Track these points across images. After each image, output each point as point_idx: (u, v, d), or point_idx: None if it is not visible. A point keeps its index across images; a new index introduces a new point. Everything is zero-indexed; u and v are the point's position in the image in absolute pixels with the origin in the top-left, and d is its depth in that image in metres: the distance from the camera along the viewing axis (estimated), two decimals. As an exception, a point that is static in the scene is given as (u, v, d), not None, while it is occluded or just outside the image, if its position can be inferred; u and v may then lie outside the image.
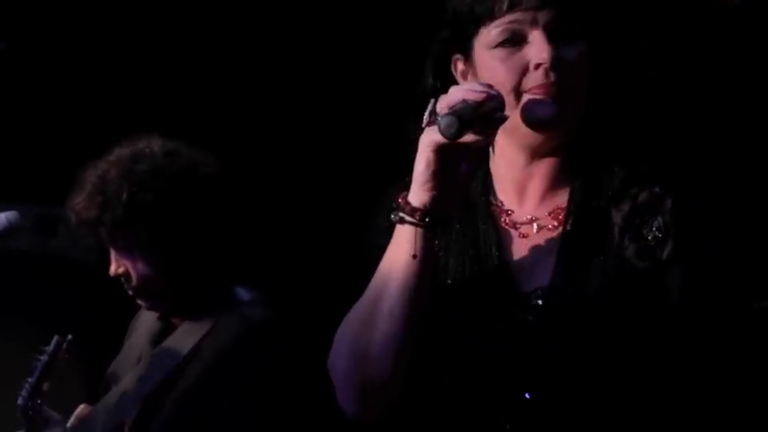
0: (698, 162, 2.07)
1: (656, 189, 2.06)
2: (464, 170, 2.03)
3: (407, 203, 2.03)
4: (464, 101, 1.97)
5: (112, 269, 3.15)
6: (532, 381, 2.05)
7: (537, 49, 2.08)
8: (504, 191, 2.19)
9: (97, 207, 3.09)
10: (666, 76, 3.81)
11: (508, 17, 2.11)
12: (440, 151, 1.99)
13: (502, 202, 2.18)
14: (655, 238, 2.03)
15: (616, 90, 2.14)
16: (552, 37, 2.09)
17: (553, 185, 2.15)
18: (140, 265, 3.11)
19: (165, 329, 3.24)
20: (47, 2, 4.50)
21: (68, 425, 3.31)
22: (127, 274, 3.13)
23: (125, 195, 3.08)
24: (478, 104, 1.98)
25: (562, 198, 2.13)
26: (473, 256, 2.16)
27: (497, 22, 2.11)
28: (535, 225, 2.15)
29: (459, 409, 2.12)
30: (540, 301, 2.08)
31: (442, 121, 1.93)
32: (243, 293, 3.22)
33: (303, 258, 4.40)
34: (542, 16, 2.09)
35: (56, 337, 3.29)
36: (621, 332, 2.00)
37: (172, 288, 3.13)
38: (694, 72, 4.02)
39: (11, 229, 3.10)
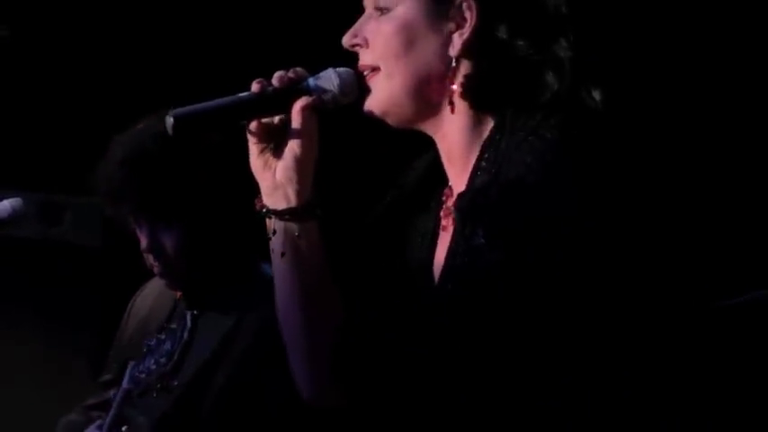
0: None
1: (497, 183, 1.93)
2: (286, 162, 2.01)
3: (260, 197, 2.07)
4: (250, 93, 2.00)
5: (145, 243, 3.10)
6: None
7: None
8: (447, 169, 2.09)
9: (141, 174, 3.06)
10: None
11: None
12: (256, 143, 2.03)
13: (450, 181, 2.09)
14: (486, 237, 1.89)
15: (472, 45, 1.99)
16: (370, 14, 2.05)
17: (462, 166, 2.03)
18: (177, 238, 3.07)
19: (191, 311, 3.18)
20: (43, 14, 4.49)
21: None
22: (161, 248, 3.09)
23: (176, 158, 3.05)
24: (254, 95, 1.99)
25: (464, 185, 2.02)
26: (414, 247, 2.11)
27: None
28: (449, 218, 2.06)
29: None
30: (425, 301, 2.01)
31: (165, 121, 1.99)
32: (268, 268, 3.19)
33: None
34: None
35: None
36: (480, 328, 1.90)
37: (204, 264, 3.10)
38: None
39: (15, 216, 3.08)
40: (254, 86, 1.99)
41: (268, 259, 3.12)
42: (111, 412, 3.00)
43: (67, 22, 4.48)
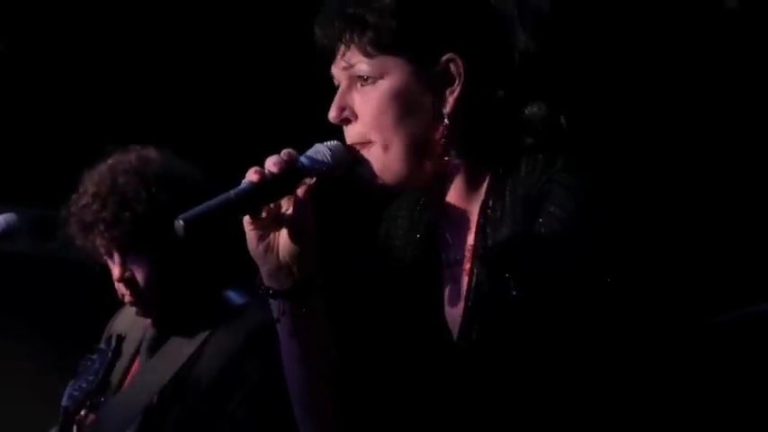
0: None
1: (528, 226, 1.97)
2: (287, 243, 2.01)
3: (260, 277, 2.06)
4: (247, 182, 1.98)
5: (117, 273, 3.15)
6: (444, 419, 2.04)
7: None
8: (443, 218, 2.13)
9: (113, 206, 3.09)
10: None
11: (332, 66, 2.09)
12: (253, 230, 2.02)
13: (445, 229, 2.12)
14: (518, 291, 1.94)
15: (462, 108, 2.02)
16: (349, 87, 2.04)
17: (464, 218, 2.07)
18: (148, 268, 3.14)
19: (159, 337, 3.25)
20: (45, 3, 4.50)
21: None
22: (133, 278, 3.14)
23: (145, 194, 3.12)
24: (255, 185, 1.97)
25: (472, 233, 2.06)
26: (416, 295, 2.13)
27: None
28: (461, 267, 2.08)
29: None
30: (451, 347, 2.06)
31: (174, 225, 1.98)
32: (234, 297, 3.24)
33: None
34: (337, 68, 2.06)
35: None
36: (511, 375, 1.96)
37: (174, 293, 3.16)
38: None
39: (9, 231, 3.10)
40: (253, 176, 1.97)
41: (233, 287, 3.20)
42: None
43: (63, 39, 4.49)
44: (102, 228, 3.13)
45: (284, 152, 2.00)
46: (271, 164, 1.98)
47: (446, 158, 2.03)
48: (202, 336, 3.17)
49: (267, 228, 2.01)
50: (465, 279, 2.05)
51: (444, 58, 2.00)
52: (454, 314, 2.06)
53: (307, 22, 2.07)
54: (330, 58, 2.06)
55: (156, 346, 3.22)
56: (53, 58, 4.53)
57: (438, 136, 2.01)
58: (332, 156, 2.02)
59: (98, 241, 3.16)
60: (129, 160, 3.19)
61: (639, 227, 1.98)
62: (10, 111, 4.51)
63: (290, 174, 1.99)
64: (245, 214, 2.00)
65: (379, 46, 2.00)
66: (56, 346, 4.51)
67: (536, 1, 2.04)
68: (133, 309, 3.34)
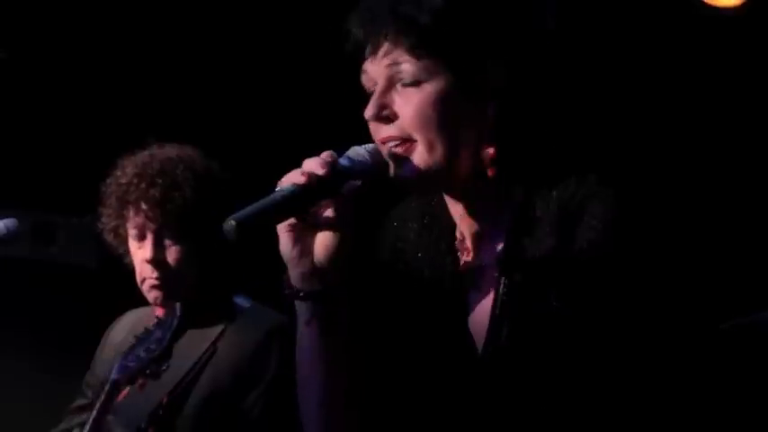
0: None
1: (565, 237, 1.97)
2: (326, 247, 1.99)
3: (288, 280, 2.03)
4: (292, 184, 1.95)
5: (150, 254, 3.17)
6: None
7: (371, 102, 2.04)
8: (461, 226, 2.11)
9: (163, 186, 3.14)
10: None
11: (364, 65, 2.05)
12: (291, 233, 1.99)
13: (463, 237, 2.11)
14: (559, 299, 1.94)
15: (501, 116, 2.00)
16: (388, 86, 2.01)
17: (491, 225, 2.06)
18: (180, 253, 3.17)
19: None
20: (45, 13, 4.51)
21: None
22: (164, 260, 3.16)
23: (192, 181, 3.17)
24: (299, 189, 1.94)
25: (500, 242, 2.04)
26: (432, 304, 2.11)
27: (362, 69, 2.07)
28: (484, 274, 2.07)
29: None
30: (480, 355, 2.04)
31: (224, 226, 1.92)
32: (241, 301, 3.27)
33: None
34: (381, 65, 2.02)
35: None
36: (541, 386, 1.96)
37: (199, 283, 3.19)
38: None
39: (9, 236, 3.11)
40: (300, 178, 1.93)
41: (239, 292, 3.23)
42: (95, 411, 3.07)
43: (63, 47, 4.50)
44: (146, 206, 3.15)
45: (326, 154, 1.97)
46: (316, 166, 1.95)
47: (483, 165, 2.02)
48: (216, 332, 3.19)
49: (304, 231, 1.99)
50: (489, 286, 2.04)
51: (488, 66, 2.00)
52: (477, 320, 2.05)
53: (305, 25, 2.07)
54: (364, 55, 2.04)
55: (177, 309, 3.22)
56: (51, 67, 4.53)
57: (478, 142, 2.01)
58: (371, 156, 2.00)
59: (136, 221, 3.18)
60: (174, 151, 3.25)
61: (675, 238, 2.00)
62: (10, 116, 4.52)
63: (334, 176, 1.96)
64: (292, 216, 1.97)
65: (428, 48, 1.98)
66: (54, 350, 4.53)
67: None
68: (134, 315, 3.35)
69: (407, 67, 1.98)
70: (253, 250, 3.36)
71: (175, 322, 3.11)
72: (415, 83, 1.99)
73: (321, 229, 1.98)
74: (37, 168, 4.52)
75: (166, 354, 3.11)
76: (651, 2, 4.03)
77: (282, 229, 1.98)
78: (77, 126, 4.52)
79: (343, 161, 1.97)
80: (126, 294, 3.39)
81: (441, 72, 1.98)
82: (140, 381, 3.10)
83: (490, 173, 2.02)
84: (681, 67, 4.11)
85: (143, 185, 3.16)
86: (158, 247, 3.17)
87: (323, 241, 1.98)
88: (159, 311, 3.25)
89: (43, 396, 4.40)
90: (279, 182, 1.96)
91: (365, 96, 2.05)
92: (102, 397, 3.07)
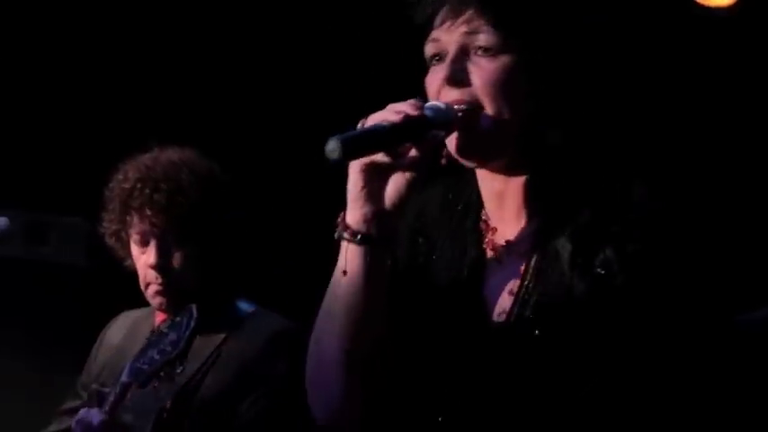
0: (652, 186, 2.09)
1: (598, 220, 2.04)
2: (397, 191, 2.02)
3: (343, 220, 2.04)
4: (383, 121, 1.98)
5: (153, 259, 3.15)
6: (481, 403, 2.05)
7: (443, 66, 2.08)
8: (489, 206, 2.16)
9: (167, 191, 3.13)
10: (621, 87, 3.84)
11: (433, 33, 2.11)
12: (365, 171, 2.01)
13: (488, 217, 2.16)
14: (598, 275, 2.01)
15: (561, 101, 2.09)
16: (462, 53, 2.07)
17: (526, 201, 2.12)
18: (184, 258, 3.15)
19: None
20: (34, 10, 4.51)
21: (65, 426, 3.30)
22: (169, 266, 3.15)
23: (197, 184, 3.15)
24: (395, 125, 1.97)
25: (534, 221, 2.11)
26: (453, 281, 2.15)
27: (429, 38, 2.12)
28: (509, 251, 2.12)
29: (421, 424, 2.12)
30: (495, 327, 2.08)
31: (328, 145, 1.94)
32: (244, 305, 3.27)
33: (285, 259, 4.42)
34: (457, 31, 2.08)
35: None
36: (570, 359, 2.01)
37: (202, 288, 3.17)
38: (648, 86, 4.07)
39: (0, 235, 3.11)
40: (395, 116, 1.97)
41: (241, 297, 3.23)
42: (107, 409, 3.05)
43: (52, 47, 4.49)
44: (150, 212, 3.14)
45: (413, 100, 2.02)
46: (408, 107, 2.00)
47: (532, 143, 2.09)
48: (219, 338, 3.18)
49: (377, 173, 2.01)
50: (513, 262, 2.10)
51: (553, 48, 2.08)
52: (495, 294, 2.10)
53: (301, 27, 2.08)
54: (435, 22, 2.10)
55: (194, 311, 3.20)
56: (45, 65, 4.53)
57: (532, 120, 2.08)
58: (448, 111, 2.04)
59: (140, 226, 3.16)
60: (176, 154, 3.22)
61: (708, 231, 2.08)
62: (2, 116, 4.52)
63: (421, 121, 2.00)
64: (387, 149, 1.98)
65: (512, 23, 2.06)
66: (47, 350, 4.52)
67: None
68: (131, 317, 3.34)
69: (486, 37, 2.05)
70: (255, 252, 3.39)
71: (192, 324, 3.09)
72: (491, 53, 2.05)
73: (397, 172, 2.01)
74: (29, 168, 4.52)
75: (182, 356, 3.09)
76: (643, 2, 4.03)
77: (356, 168, 2.01)
78: (69, 126, 4.52)
79: (426, 111, 2.01)
80: (117, 294, 3.39)
81: (514, 47, 2.05)
82: (154, 383, 3.09)
83: (537, 151, 2.09)
84: (673, 68, 4.12)
85: (147, 190, 3.14)
86: (162, 253, 3.15)
87: (396, 185, 2.02)
88: (160, 315, 3.24)
89: (35, 396, 4.40)
90: (364, 120, 1.99)
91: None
92: (112, 398, 3.05)
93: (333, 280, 2.06)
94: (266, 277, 4.21)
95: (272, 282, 4.11)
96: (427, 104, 2.02)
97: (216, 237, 3.19)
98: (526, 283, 2.07)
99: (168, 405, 3.10)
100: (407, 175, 2.01)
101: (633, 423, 2.00)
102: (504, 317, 2.07)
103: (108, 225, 3.22)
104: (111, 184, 3.21)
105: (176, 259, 3.15)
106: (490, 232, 2.14)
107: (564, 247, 2.05)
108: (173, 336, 3.12)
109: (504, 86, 2.04)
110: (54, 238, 4.58)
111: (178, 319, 3.14)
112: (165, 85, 4.51)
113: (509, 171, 2.10)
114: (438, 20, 2.08)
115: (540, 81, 2.06)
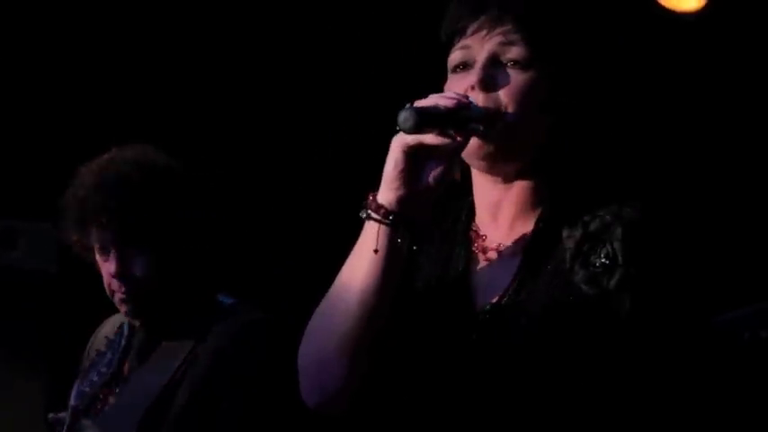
0: (649, 189, 2.15)
1: (607, 217, 2.11)
2: (433, 175, 2.07)
3: (374, 201, 2.07)
4: (435, 105, 2.04)
5: (114, 269, 3.11)
6: (472, 395, 2.09)
7: (473, 71, 2.14)
8: (481, 216, 2.22)
9: (119, 198, 3.06)
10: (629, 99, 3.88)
11: (462, 42, 2.17)
12: (407, 152, 2.04)
13: (479, 227, 2.22)
14: (603, 264, 2.07)
15: (579, 118, 2.19)
16: (493, 62, 2.14)
17: (522, 212, 2.18)
18: (147, 264, 3.09)
19: (149, 342, 3.22)
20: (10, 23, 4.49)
21: None
22: (130, 274, 3.10)
23: (150, 187, 3.08)
24: (448, 109, 2.04)
25: (529, 225, 2.17)
26: (440, 276, 2.20)
27: (456, 46, 2.19)
28: (500, 251, 2.18)
29: (410, 419, 2.15)
30: (485, 318, 2.12)
31: (401, 115, 2.00)
32: (225, 299, 3.24)
33: (285, 259, 4.42)
34: (490, 41, 2.15)
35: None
36: (559, 353, 2.05)
37: (170, 291, 3.13)
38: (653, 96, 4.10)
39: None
40: (449, 101, 2.05)
41: (224, 290, 3.22)
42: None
43: (19, 54, 4.47)
44: (104, 221, 3.09)
45: (454, 92, 2.11)
46: (459, 95, 2.08)
47: (539, 155, 2.17)
48: (195, 336, 3.13)
49: (421, 154, 2.05)
50: (503, 263, 2.16)
51: (582, 67, 2.19)
52: (483, 292, 2.15)
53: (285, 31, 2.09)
54: (465, 32, 2.17)
55: (146, 352, 3.18)
56: (16, 73, 4.51)
57: (544, 131, 2.16)
58: (481, 109, 2.11)
59: (97, 235, 3.12)
60: (131, 154, 3.14)
61: (691, 240, 2.14)
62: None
63: (469, 110, 2.08)
64: (444, 129, 2.04)
65: (545, 38, 2.15)
66: (17, 357, 4.50)
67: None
68: (116, 320, 3.31)
69: (519, 50, 2.14)
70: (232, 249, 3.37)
71: (124, 342, 3.08)
72: (520, 65, 2.13)
73: (434, 158, 2.06)
74: (-1, 174, 4.50)
75: (118, 377, 3.08)
76: (611, 6, 4.06)
77: (400, 148, 2.05)
78: (38, 130, 4.50)
79: (473, 106, 2.10)
80: (88, 301, 3.37)
81: (543, 61, 2.14)
82: (98, 406, 3.07)
83: (541, 165, 2.17)
84: (646, 74, 4.15)
85: (99, 198, 3.08)
86: (123, 261, 3.08)
87: (434, 169, 2.06)
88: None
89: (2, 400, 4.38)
90: (414, 103, 2.05)
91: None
92: (65, 426, 3.04)
93: (352, 260, 2.10)
94: (266, 277, 4.23)
95: (272, 282, 4.12)
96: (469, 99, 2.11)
97: (179, 238, 3.12)
98: (516, 280, 2.12)
99: (142, 417, 3.07)
100: (445, 161, 2.06)
101: (621, 421, 2.04)
102: (489, 313, 2.11)
103: (68, 235, 3.17)
104: (66, 193, 3.14)
105: (138, 266, 3.08)
106: (480, 239, 2.20)
107: (558, 248, 2.10)
108: (109, 355, 3.11)
109: (529, 97, 2.13)
110: (24, 245, 4.56)
111: (113, 337, 3.12)
112: (134, 87, 4.51)
113: (512, 179, 2.18)
114: (470, 29, 2.16)
115: (561, 95, 2.15)
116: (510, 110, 2.12)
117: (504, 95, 2.12)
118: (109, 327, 3.34)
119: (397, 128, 2.04)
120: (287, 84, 4.47)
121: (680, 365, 2.06)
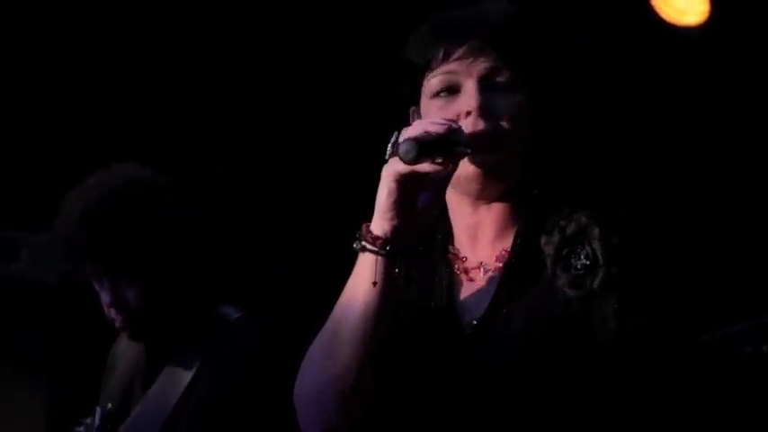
0: (627, 191, 2.16)
1: (583, 218, 2.11)
2: (425, 202, 2.08)
3: (369, 232, 2.07)
4: (426, 132, 2.03)
5: (108, 299, 3.10)
6: (462, 408, 2.09)
7: (467, 97, 2.14)
8: (460, 238, 2.23)
9: (104, 229, 3.06)
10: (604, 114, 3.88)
11: (444, 67, 2.17)
12: (401, 181, 2.04)
13: (458, 250, 2.23)
14: (584, 266, 2.07)
15: (557, 135, 2.21)
16: (485, 87, 2.15)
17: (501, 230, 2.20)
18: (140, 291, 3.08)
19: (152, 367, 3.21)
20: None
21: None
22: (124, 303, 3.09)
23: (135, 215, 3.07)
24: (439, 136, 2.03)
25: (508, 242, 2.18)
26: (425, 298, 2.21)
27: (436, 71, 2.18)
28: (482, 269, 2.19)
29: None
30: (472, 333, 2.13)
31: (402, 147, 2.00)
32: (230, 312, 3.22)
33: (285, 259, 4.43)
34: (476, 67, 2.16)
35: (98, 409, 3.20)
36: (547, 360, 2.06)
37: (167, 315, 3.12)
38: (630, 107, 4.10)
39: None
40: (439, 127, 2.04)
41: (226, 301, 3.21)
42: None
43: (27, 61, 4.48)
44: (91, 253, 3.09)
45: (441, 118, 2.11)
46: (449, 121, 2.08)
47: (520, 178, 2.19)
48: (197, 362, 3.12)
49: (410, 184, 2.05)
50: (487, 278, 2.17)
51: (555, 92, 2.21)
52: (468, 309, 2.16)
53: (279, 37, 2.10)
54: (449, 57, 2.17)
55: (150, 377, 3.17)
56: (14, 81, 4.52)
57: (524, 155, 2.19)
58: (470, 134, 2.12)
59: (87, 266, 3.12)
60: (114, 180, 3.12)
61: (671, 250, 2.15)
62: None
63: (458, 135, 2.08)
64: (437, 157, 2.04)
65: (531, 64, 2.18)
66: (18, 369, 4.50)
67: None
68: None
69: (507, 72, 2.16)
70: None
71: (98, 423, 3.08)
72: (511, 88, 2.16)
73: (425, 186, 2.07)
74: (0, 185, 4.50)
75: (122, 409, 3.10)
76: (611, 19, 4.06)
77: (392, 177, 2.04)
78: (39, 141, 4.50)
79: (463, 132, 2.10)
80: (89, 313, 3.37)
81: (529, 86, 2.18)
82: None
83: (521, 187, 2.20)
84: (643, 88, 4.15)
85: (84, 231, 3.06)
86: (116, 290, 3.09)
87: (426, 196, 2.07)
88: None
89: (3, 413, 4.38)
90: (404, 132, 2.05)
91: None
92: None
93: (349, 294, 2.10)
94: (266, 277, 4.23)
95: (272, 282, 4.12)
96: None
97: (170, 262, 3.12)
98: (500, 294, 2.13)
99: None
100: (437, 188, 2.08)
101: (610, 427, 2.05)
102: (476, 327, 2.13)
103: (63, 264, 3.18)
104: (54, 223, 3.13)
105: (131, 294, 3.08)
106: (460, 261, 2.21)
107: (539, 258, 2.11)
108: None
109: (523, 119, 2.15)
110: (26, 256, 4.55)
111: (89, 420, 3.12)
112: (135, 99, 4.51)
113: (494, 200, 2.19)
114: (454, 55, 2.16)
115: (543, 114, 2.18)
116: (510, 133, 2.14)
117: (502, 119, 2.14)
118: (126, 343, 3.33)
119: (387, 157, 2.04)
120: (286, 85, 4.48)
121: (671, 375, 2.06)
